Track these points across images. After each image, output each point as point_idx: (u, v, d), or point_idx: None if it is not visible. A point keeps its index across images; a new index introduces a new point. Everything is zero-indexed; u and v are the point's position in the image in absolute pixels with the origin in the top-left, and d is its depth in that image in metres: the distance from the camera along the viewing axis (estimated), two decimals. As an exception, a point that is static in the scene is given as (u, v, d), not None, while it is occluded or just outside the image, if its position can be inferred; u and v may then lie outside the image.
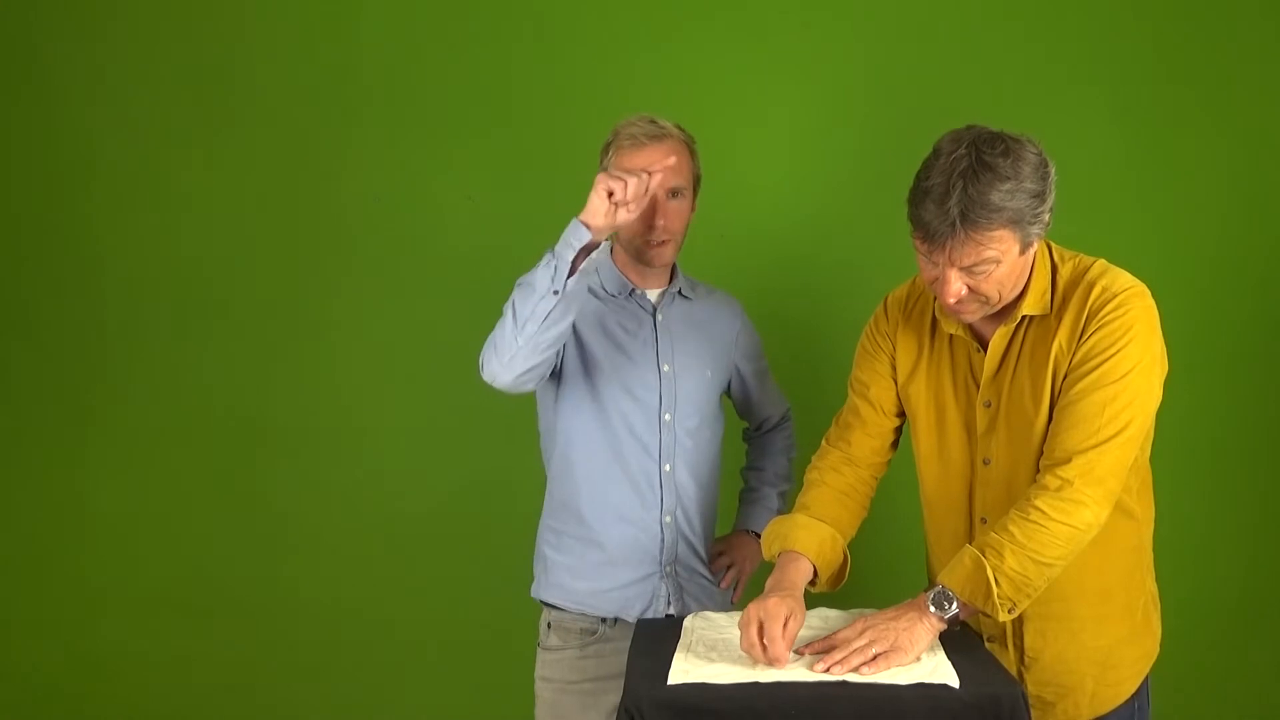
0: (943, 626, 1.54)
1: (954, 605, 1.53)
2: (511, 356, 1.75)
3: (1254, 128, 2.41)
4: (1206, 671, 2.49)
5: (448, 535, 2.54)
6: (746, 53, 2.46)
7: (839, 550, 1.72)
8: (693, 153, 1.91)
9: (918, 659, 1.55)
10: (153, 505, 2.62)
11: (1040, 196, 1.49)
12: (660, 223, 1.86)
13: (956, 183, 1.45)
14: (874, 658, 1.48)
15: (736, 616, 1.76)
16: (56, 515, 2.65)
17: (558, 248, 1.71)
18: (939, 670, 1.50)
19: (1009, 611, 1.52)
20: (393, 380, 2.58)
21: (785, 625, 1.52)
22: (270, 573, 2.62)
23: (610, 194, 1.67)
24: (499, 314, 1.93)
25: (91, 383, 2.61)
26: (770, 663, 1.50)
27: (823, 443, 1.87)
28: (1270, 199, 2.42)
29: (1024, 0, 2.42)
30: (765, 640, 1.50)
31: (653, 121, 1.89)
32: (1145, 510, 1.70)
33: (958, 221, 1.45)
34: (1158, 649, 1.74)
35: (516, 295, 1.76)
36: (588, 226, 1.68)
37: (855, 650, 1.49)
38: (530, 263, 2.26)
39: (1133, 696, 1.70)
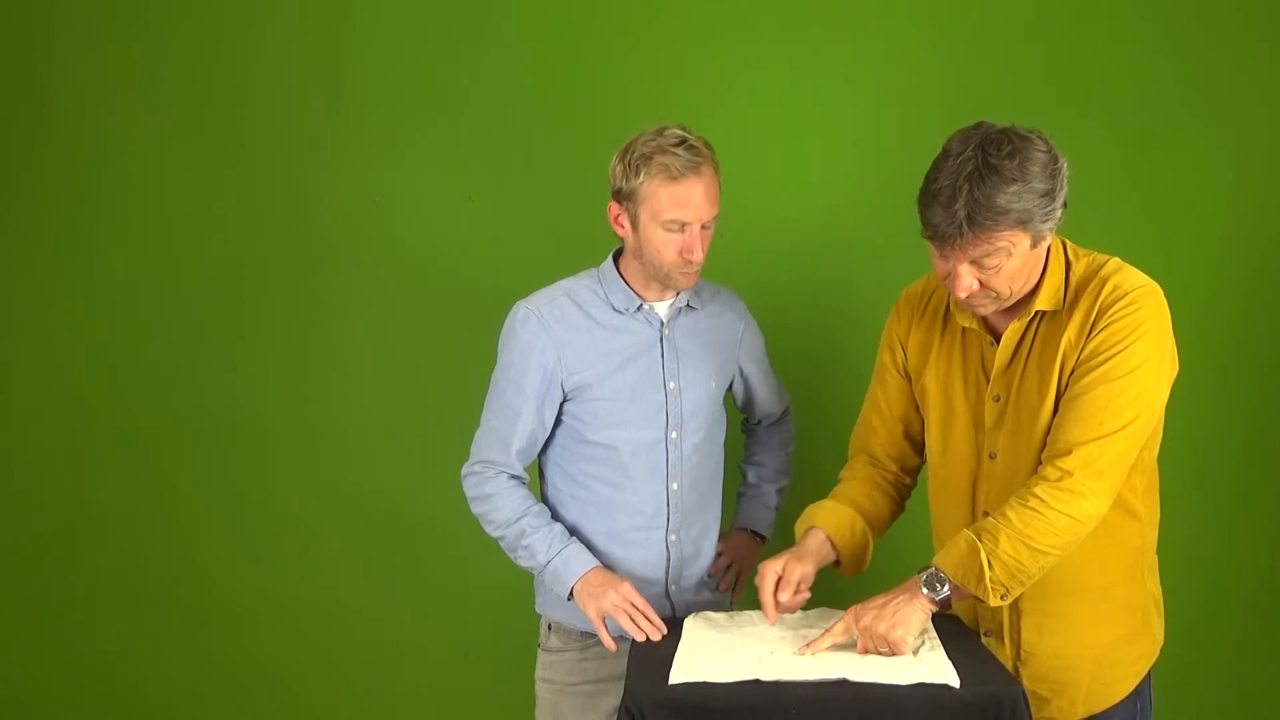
0: (934, 608, 1.57)
1: (945, 587, 1.56)
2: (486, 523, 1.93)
3: (1257, 127, 2.40)
4: (1212, 674, 2.48)
5: (448, 536, 2.53)
6: (749, 50, 2.44)
7: (859, 531, 1.76)
8: (718, 166, 1.82)
9: (914, 649, 1.56)
10: (153, 505, 2.61)
11: (1049, 195, 1.49)
12: (695, 257, 1.80)
13: (963, 186, 1.46)
14: (876, 642, 1.55)
15: (737, 616, 1.78)
16: (56, 515, 2.64)
17: (548, 576, 1.86)
18: (939, 670, 1.50)
19: (1001, 598, 1.53)
20: (393, 380, 2.57)
21: (780, 581, 1.68)
22: (270, 573, 2.61)
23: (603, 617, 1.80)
24: (499, 315, 1.95)
25: (91, 383, 2.61)
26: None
27: (850, 448, 1.94)
28: (1274, 198, 2.42)
29: (1032, 3, 2.42)
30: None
31: (685, 144, 1.77)
32: (1150, 511, 1.71)
33: (964, 224, 1.47)
34: (1158, 651, 1.74)
35: (510, 535, 1.88)
36: (570, 591, 1.83)
37: (860, 638, 1.57)
38: (530, 263, 2.29)
39: (1134, 697, 1.71)
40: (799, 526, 1.80)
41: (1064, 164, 1.52)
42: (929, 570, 1.58)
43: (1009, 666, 1.68)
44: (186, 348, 2.58)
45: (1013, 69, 2.42)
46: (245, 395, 2.58)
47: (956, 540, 1.57)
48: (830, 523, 1.76)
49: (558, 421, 1.93)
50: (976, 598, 1.55)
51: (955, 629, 1.70)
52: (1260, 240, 2.42)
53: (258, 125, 2.52)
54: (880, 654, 1.57)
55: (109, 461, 2.62)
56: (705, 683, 1.50)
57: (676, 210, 1.78)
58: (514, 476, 1.92)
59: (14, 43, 2.55)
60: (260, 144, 2.52)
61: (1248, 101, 2.40)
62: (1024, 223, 1.49)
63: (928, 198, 1.51)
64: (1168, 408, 1.64)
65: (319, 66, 2.50)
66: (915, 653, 1.56)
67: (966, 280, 1.54)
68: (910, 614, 1.55)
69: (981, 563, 1.52)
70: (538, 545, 1.86)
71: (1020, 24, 2.41)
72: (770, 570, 1.68)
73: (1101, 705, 1.67)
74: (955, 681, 1.47)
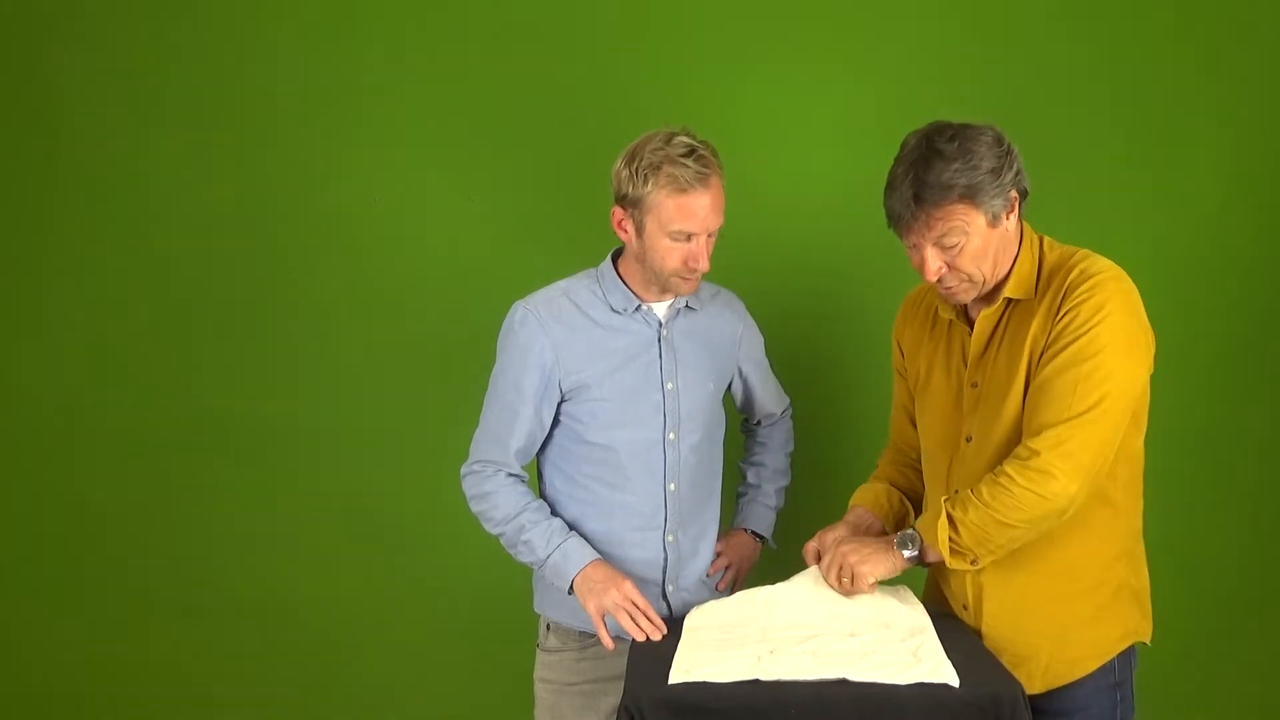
0: (905, 565, 1.72)
1: (916, 546, 1.70)
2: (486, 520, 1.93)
3: (1254, 126, 2.41)
4: (1198, 664, 2.50)
5: (447, 536, 2.53)
6: (749, 50, 2.44)
7: (895, 499, 1.94)
8: (723, 173, 1.83)
9: (914, 651, 1.58)
10: (153, 505, 2.61)
11: (996, 172, 1.61)
12: (701, 266, 1.82)
13: (909, 171, 1.61)
14: (844, 570, 1.73)
15: (736, 597, 1.80)
16: (56, 515, 2.64)
17: (548, 571, 1.86)
18: (939, 669, 1.50)
19: (972, 563, 1.65)
20: (392, 380, 2.57)
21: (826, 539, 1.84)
22: (269, 574, 2.61)
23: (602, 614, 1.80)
24: (499, 315, 1.95)
25: (91, 383, 2.60)
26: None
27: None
28: (1268, 196, 2.43)
29: (1032, 4, 2.43)
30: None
31: (694, 154, 1.77)
32: (1129, 500, 1.74)
33: (912, 203, 1.61)
34: (1129, 641, 1.75)
35: (509, 531, 1.88)
36: (571, 585, 1.83)
37: (832, 560, 1.74)
38: (530, 263, 2.29)
39: (1114, 688, 1.73)
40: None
41: (1015, 151, 1.64)
42: (906, 531, 1.72)
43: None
44: (186, 348, 2.58)
45: (1013, 69, 2.43)
46: (244, 395, 2.57)
47: (932, 507, 1.71)
48: (865, 498, 1.94)
49: (556, 422, 1.93)
50: (943, 559, 1.65)
51: (955, 629, 1.70)
52: (1254, 235, 2.43)
53: (257, 125, 2.52)
54: (841, 584, 1.72)
55: (109, 462, 2.61)
56: (705, 683, 1.50)
57: (684, 222, 1.78)
58: (512, 475, 1.92)
59: (14, 43, 2.54)
60: (260, 144, 2.52)
61: (1243, 101, 2.40)
62: (971, 198, 1.60)
63: (886, 188, 1.66)
64: (1160, 403, 1.65)
65: (319, 67, 2.50)
66: (915, 652, 1.57)
67: (934, 263, 1.65)
68: (882, 560, 1.71)
69: (949, 528, 1.63)
70: (537, 540, 1.86)
71: (1021, 24, 2.42)
72: (811, 547, 1.84)
73: (1062, 680, 1.71)
74: (955, 681, 1.47)
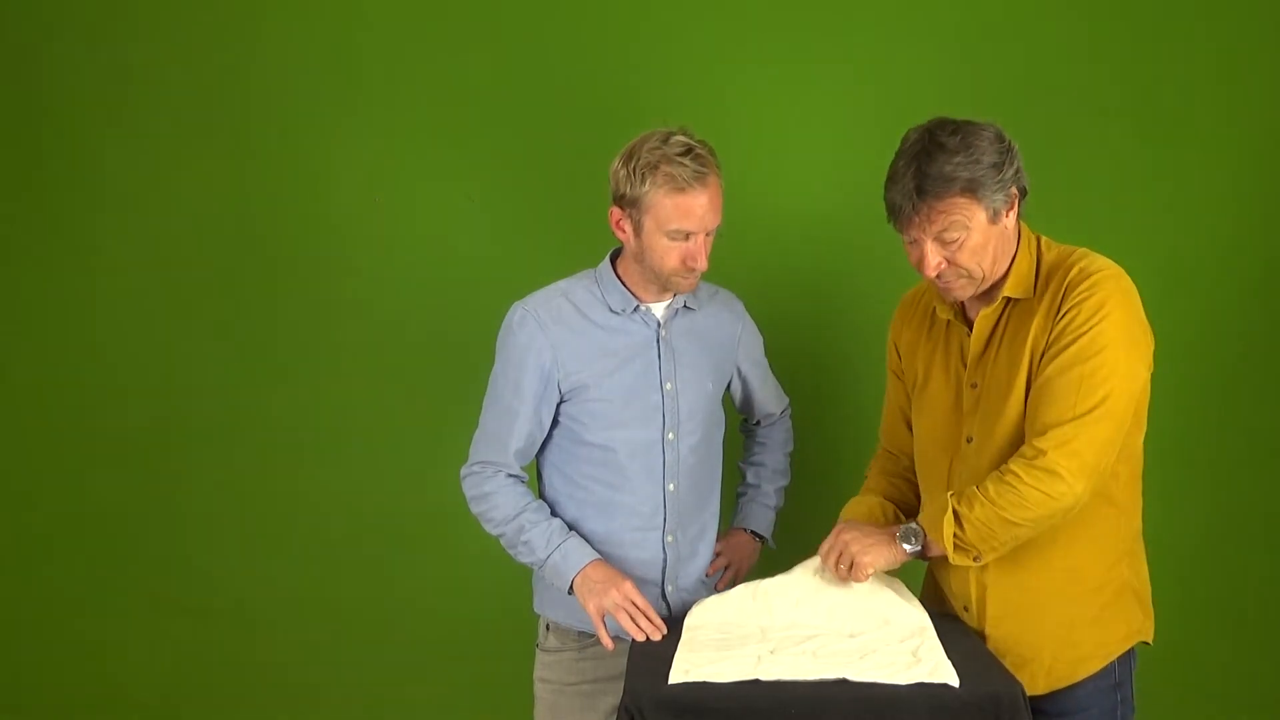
0: (906, 558, 1.72)
1: (919, 541, 1.70)
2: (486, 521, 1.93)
3: (1252, 126, 2.41)
4: (1198, 664, 2.50)
5: (447, 535, 2.53)
6: (749, 48, 2.44)
7: (889, 512, 1.90)
8: (720, 172, 1.83)
9: (913, 649, 1.58)
10: (153, 505, 2.61)
11: (998, 167, 1.61)
12: (700, 265, 1.83)
13: (911, 163, 1.61)
14: (844, 558, 1.71)
15: (736, 591, 1.80)
16: (56, 515, 2.64)
17: (548, 571, 1.86)
18: (939, 670, 1.50)
19: (974, 559, 1.64)
20: (393, 380, 2.57)
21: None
22: (270, 574, 2.61)
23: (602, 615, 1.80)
24: (499, 315, 1.95)
25: (91, 383, 2.60)
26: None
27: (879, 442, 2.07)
28: (1272, 198, 2.43)
29: (1035, 5, 2.43)
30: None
31: (692, 153, 1.77)
32: (1130, 499, 1.75)
33: (914, 195, 1.60)
34: (1132, 641, 1.75)
35: (509, 531, 1.88)
36: (571, 584, 1.83)
37: (833, 547, 1.73)
38: (530, 263, 2.29)
39: (1114, 688, 1.73)
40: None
41: (1016, 148, 1.64)
42: (909, 524, 1.72)
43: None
44: (187, 348, 2.58)
45: (1014, 68, 2.43)
46: (245, 395, 2.58)
47: (937, 502, 1.69)
48: (858, 512, 1.89)
49: (555, 423, 1.93)
50: (946, 554, 1.64)
51: (955, 629, 1.70)
52: (1259, 238, 2.43)
53: (258, 125, 2.52)
54: (838, 570, 1.71)
55: (109, 461, 2.61)
56: (705, 683, 1.50)
57: (682, 221, 1.78)
58: (512, 475, 1.92)
59: (14, 41, 2.55)
60: (261, 144, 2.52)
61: (1240, 101, 2.41)
62: (972, 192, 1.59)
63: (887, 182, 1.65)
64: (1164, 403, 1.65)
65: (320, 66, 2.50)
66: (915, 652, 1.57)
67: (933, 258, 1.64)
68: (884, 551, 1.70)
69: (954, 524, 1.63)
70: (537, 540, 1.86)
71: (1021, 23, 2.42)
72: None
73: (1065, 681, 1.71)
74: (955, 681, 1.48)
